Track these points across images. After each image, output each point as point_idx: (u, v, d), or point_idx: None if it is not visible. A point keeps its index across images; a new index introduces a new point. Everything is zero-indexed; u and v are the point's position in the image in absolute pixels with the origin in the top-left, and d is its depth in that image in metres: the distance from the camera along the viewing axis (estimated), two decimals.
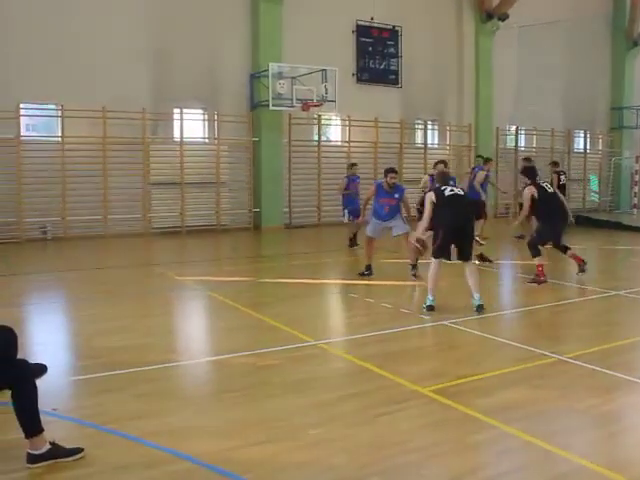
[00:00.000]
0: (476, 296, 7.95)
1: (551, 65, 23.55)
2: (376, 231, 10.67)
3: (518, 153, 23.72)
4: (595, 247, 14.82)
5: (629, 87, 27.33)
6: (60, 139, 16.04)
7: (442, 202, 8.06)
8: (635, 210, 23.87)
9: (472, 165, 18.56)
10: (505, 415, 4.67)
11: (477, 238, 14.56)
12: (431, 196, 8.18)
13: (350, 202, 14.33)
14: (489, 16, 22.45)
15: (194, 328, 8.09)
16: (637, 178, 24.61)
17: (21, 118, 15.68)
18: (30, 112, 16.32)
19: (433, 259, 8.13)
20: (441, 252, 8.05)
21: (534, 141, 25.02)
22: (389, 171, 10.49)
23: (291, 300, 9.07)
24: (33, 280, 10.90)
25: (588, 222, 18.44)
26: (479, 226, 14.65)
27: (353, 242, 14.12)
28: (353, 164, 15.35)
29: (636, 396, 5.27)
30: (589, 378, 5.60)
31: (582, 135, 26.61)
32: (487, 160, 15.95)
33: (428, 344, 6.84)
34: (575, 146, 26.50)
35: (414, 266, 10.36)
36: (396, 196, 10.43)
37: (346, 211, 14.34)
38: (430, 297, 8.05)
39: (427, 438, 4.36)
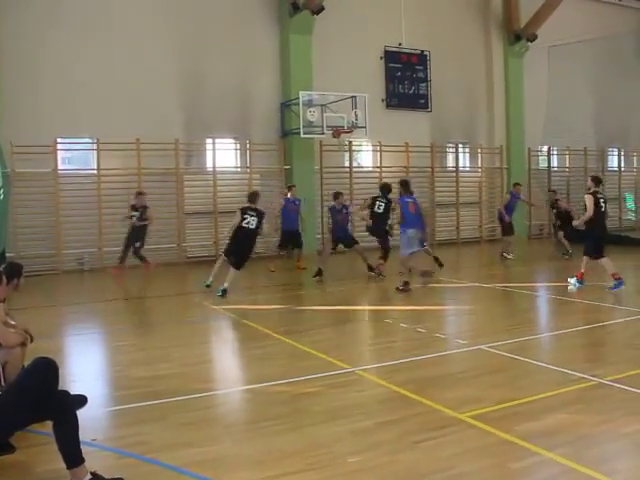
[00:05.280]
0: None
1: (582, 83, 23.34)
2: None
3: (551, 173, 23.50)
4: (635, 267, 14.54)
5: None
6: (96, 171, 16.35)
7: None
8: None
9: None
10: (548, 441, 4.57)
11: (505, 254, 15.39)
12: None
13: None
14: (517, 37, 22.42)
15: (231, 357, 8.11)
16: None
17: (58, 152, 16.02)
18: (66, 146, 16.64)
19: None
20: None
21: (567, 161, 24.76)
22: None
23: (327, 327, 9.06)
24: (71, 311, 11.04)
25: (626, 241, 18.13)
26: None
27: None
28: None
29: None
30: (634, 401, 5.47)
31: (616, 153, 26.28)
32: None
33: (465, 369, 6.74)
34: (609, 164, 26.17)
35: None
36: None
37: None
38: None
39: (468, 465, 4.28)
